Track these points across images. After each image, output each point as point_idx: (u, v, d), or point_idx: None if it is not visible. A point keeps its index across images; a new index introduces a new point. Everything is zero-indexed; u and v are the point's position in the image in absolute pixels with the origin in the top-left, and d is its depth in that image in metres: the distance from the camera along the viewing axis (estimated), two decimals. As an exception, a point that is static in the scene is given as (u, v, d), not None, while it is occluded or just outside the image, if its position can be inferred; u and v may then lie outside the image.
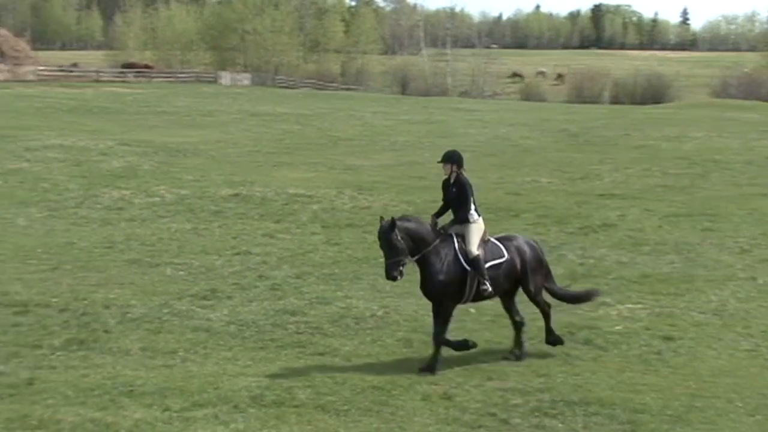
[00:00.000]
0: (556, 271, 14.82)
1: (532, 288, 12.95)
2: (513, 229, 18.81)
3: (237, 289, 16.44)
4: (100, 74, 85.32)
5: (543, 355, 13.03)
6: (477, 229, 12.56)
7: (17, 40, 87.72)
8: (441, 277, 12.25)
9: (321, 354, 13.01)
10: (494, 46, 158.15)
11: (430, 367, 12.28)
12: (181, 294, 16.00)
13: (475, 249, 12.42)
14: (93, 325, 14.10)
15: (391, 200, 25.59)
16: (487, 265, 12.49)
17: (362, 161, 34.02)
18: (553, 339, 13.23)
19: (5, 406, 10.78)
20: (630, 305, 15.80)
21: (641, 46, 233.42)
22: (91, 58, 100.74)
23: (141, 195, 25.65)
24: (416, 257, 12.22)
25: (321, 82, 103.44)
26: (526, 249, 12.94)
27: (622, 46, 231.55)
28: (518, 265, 12.80)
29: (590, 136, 43.97)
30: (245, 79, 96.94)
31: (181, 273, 17.58)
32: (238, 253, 19.26)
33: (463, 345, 12.67)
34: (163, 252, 19.27)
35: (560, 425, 10.64)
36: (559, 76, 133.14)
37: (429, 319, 13.77)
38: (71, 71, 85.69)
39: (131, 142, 36.53)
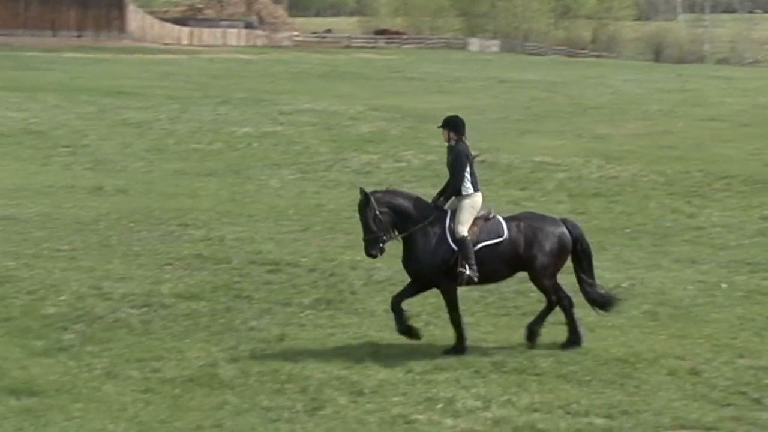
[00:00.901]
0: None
1: (539, 273, 11.60)
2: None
3: (481, 256, 16.43)
4: (352, 40, 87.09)
5: (798, 335, 12.42)
6: (469, 205, 11.50)
7: (275, 6, 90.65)
8: (425, 257, 11.39)
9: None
10: (758, 11, 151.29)
11: (456, 348, 11.51)
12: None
13: (463, 228, 11.37)
14: (340, 285, 14.45)
15: (641, 170, 24.96)
16: (481, 245, 11.41)
17: (611, 130, 33.31)
18: (532, 330, 11.76)
19: (257, 360, 11.21)
20: None
21: None
22: (344, 25, 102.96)
23: (388, 160, 26.04)
24: (403, 234, 11.43)
25: (571, 49, 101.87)
26: (542, 232, 11.54)
27: None
28: (521, 248, 11.53)
29: None
30: (494, 45, 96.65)
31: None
32: (482, 220, 19.25)
33: (407, 330, 11.65)
34: (409, 216, 19.50)
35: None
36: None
37: (677, 293, 13.39)
38: (324, 37, 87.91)
39: (380, 108, 37.12)
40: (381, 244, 11.45)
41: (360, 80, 51.07)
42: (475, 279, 11.42)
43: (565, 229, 11.75)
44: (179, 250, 16.23)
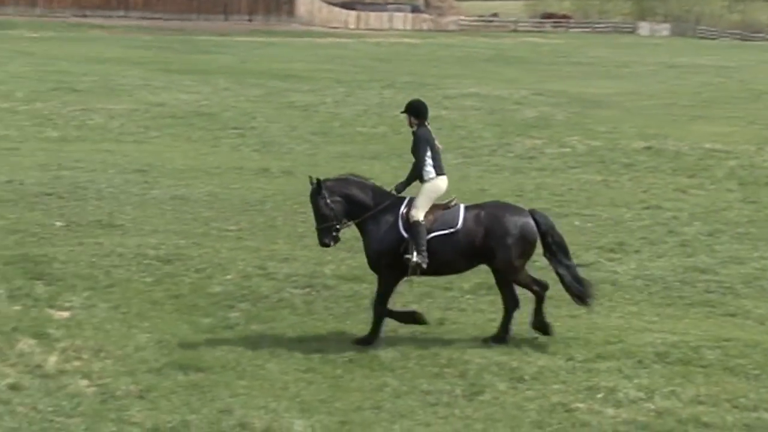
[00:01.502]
0: None
1: (501, 267, 11.11)
2: None
3: (645, 244, 16.12)
4: (519, 24, 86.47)
5: None
6: (429, 189, 11.14)
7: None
8: (374, 245, 11.09)
9: (732, 315, 12.50)
10: None
11: (365, 339, 11.16)
12: (588, 245, 15.93)
13: (418, 212, 10.99)
14: (501, 270, 14.34)
15: (818, 158, 24.04)
16: (432, 235, 10.98)
17: (787, 116, 32.17)
18: (538, 323, 11.32)
19: (417, 343, 11.24)
20: None
21: None
22: (511, 8, 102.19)
23: (553, 145, 25.76)
24: (355, 221, 11.18)
25: (746, 33, 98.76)
26: (502, 222, 11.02)
27: None
28: (479, 239, 11.01)
29: None
30: (664, 29, 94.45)
31: (589, 225, 17.49)
32: (647, 207, 18.87)
33: (409, 316, 11.44)
34: (571, 202, 19.26)
35: None
36: None
37: None
38: (491, 21, 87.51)
39: (545, 92, 36.75)
40: (334, 233, 11.24)
41: (525, 64, 50.67)
42: (423, 266, 10.96)
43: (529, 219, 11.19)
44: (342, 231, 16.38)
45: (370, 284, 13.43)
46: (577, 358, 10.86)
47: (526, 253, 11.17)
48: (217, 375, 10.22)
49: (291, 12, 73.42)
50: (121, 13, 68.74)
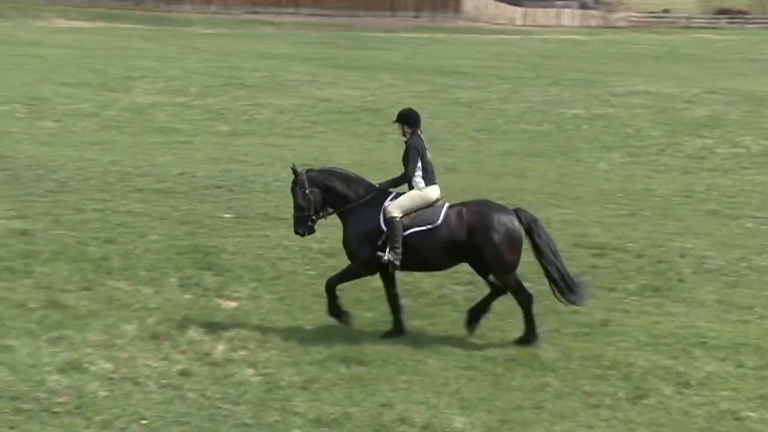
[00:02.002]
0: None
1: (491, 263, 10.97)
2: None
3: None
4: (691, 20, 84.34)
5: None
6: (415, 195, 11.08)
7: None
8: (352, 236, 11.14)
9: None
10: None
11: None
12: (761, 249, 15.45)
13: (396, 210, 10.94)
14: (668, 273, 14.07)
15: None
16: (410, 231, 10.90)
17: None
18: (476, 311, 11.27)
19: (580, 344, 11.12)
20: None
21: None
22: (684, 4, 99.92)
23: (725, 145, 25.07)
24: (334, 212, 11.25)
25: None
26: (486, 220, 10.90)
27: None
28: (462, 236, 10.87)
29: None
30: None
31: (763, 227, 16.97)
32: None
33: (338, 312, 11.29)
34: (744, 204, 18.73)
35: None
36: None
37: None
38: (662, 17, 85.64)
39: (718, 90, 35.76)
40: (310, 223, 11.28)
41: (697, 62, 49.45)
42: (396, 263, 10.93)
43: (513, 218, 11.07)
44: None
45: (533, 283, 13.33)
46: (748, 365, 10.56)
47: (514, 252, 11.05)
48: (378, 369, 10.30)
49: (457, 8, 73.40)
50: (291, 10, 69.94)
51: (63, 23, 56.32)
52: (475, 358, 10.68)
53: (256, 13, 68.22)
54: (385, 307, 12.16)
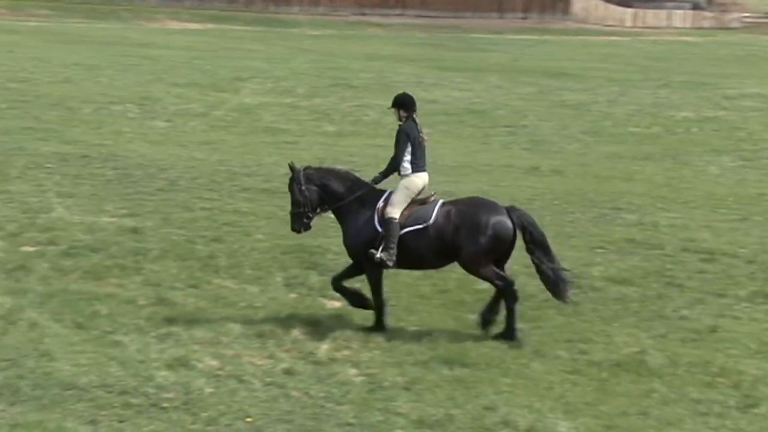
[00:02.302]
0: None
1: (465, 260, 10.98)
2: None
3: None
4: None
5: None
6: (404, 186, 11.14)
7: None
8: (351, 236, 11.27)
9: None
10: None
11: (376, 328, 11.24)
12: None
13: (393, 209, 11.01)
14: (783, 280, 13.74)
15: None
16: (405, 230, 10.97)
17: None
18: (486, 315, 11.24)
19: (687, 350, 10.93)
20: None
21: None
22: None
23: None
24: (326, 210, 11.41)
25: None
26: (472, 219, 10.90)
27: None
28: (448, 235, 10.90)
29: None
30: None
31: None
32: None
33: (360, 302, 11.39)
34: None
35: None
36: None
37: None
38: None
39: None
40: (305, 220, 11.40)
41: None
42: (389, 263, 11.03)
43: (504, 218, 11.04)
44: (611, 233, 16.13)
45: (639, 287, 13.16)
46: None
47: (496, 250, 11.04)
48: (481, 371, 10.26)
49: (566, 10, 72.76)
50: (398, 11, 70.13)
51: (175, 25, 57.38)
52: (579, 362, 10.57)
53: (364, 14, 68.56)
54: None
